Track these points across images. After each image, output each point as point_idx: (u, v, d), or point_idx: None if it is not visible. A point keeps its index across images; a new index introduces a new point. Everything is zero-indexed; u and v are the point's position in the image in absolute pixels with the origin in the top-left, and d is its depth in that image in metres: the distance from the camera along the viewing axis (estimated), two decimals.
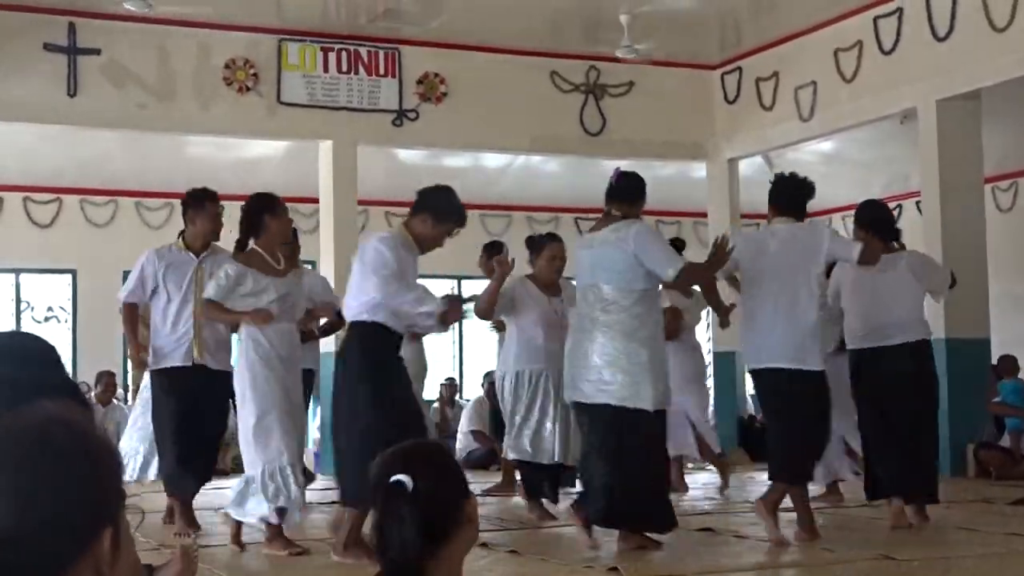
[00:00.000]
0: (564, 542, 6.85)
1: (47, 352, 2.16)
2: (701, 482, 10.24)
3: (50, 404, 1.45)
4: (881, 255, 6.82)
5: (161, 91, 11.48)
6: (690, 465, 10.52)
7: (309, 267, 11.01)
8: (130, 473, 7.96)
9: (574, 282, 8.02)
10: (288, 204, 6.75)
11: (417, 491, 2.25)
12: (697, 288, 8.13)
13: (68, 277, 14.46)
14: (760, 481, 10.23)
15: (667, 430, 6.44)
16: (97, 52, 11.21)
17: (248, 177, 13.62)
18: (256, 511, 6.25)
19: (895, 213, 9.06)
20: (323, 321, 8.26)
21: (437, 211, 6.24)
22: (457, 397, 14.24)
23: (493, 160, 14.80)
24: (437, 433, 11.64)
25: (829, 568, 5.79)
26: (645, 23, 11.71)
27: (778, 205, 6.70)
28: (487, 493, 9.34)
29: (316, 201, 12.31)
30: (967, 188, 10.83)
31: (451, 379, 14.30)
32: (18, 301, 14.36)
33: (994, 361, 11.15)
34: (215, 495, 8.01)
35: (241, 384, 6.37)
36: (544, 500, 7.89)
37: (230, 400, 7.11)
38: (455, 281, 14.21)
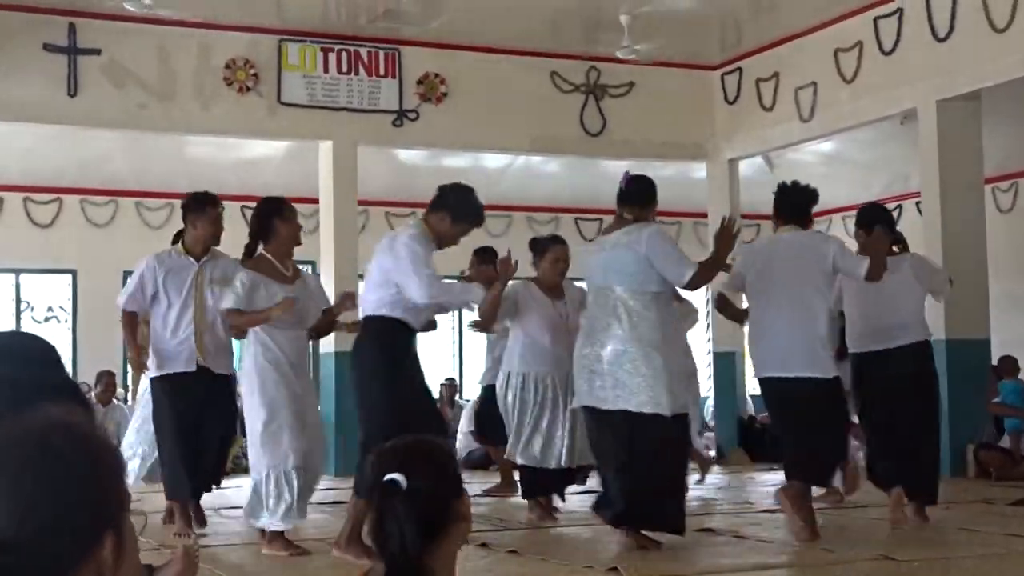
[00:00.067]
0: (564, 542, 6.86)
1: (47, 352, 2.16)
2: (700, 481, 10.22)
3: (52, 408, 1.44)
4: (885, 271, 6.74)
5: (161, 91, 11.48)
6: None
7: (307, 269, 11.00)
8: (132, 477, 7.95)
9: (577, 284, 8.05)
10: None
11: (411, 490, 2.28)
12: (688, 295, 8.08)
13: (68, 277, 14.46)
14: (760, 481, 10.24)
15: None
16: (97, 52, 11.21)
17: (248, 177, 13.66)
18: (267, 522, 6.25)
19: (895, 214, 9.08)
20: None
21: (456, 210, 6.27)
22: (457, 397, 14.24)
23: (493, 160, 14.80)
24: None
25: (829, 568, 5.79)
26: (645, 23, 11.71)
27: (783, 214, 6.71)
28: (487, 493, 9.34)
29: (316, 201, 12.32)
30: (967, 189, 10.83)
31: (451, 379, 14.30)
32: (18, 301, 14.37)
33: (994, 362, 11.15)
34: (215, 495, 8.00)
35: (249, 388, 6.35)
36: (549, 500, 7.88)
37: (234, 404, 7.11)
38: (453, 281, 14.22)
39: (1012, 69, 10.06)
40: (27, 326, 13.78)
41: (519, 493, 8.25)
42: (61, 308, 14.49)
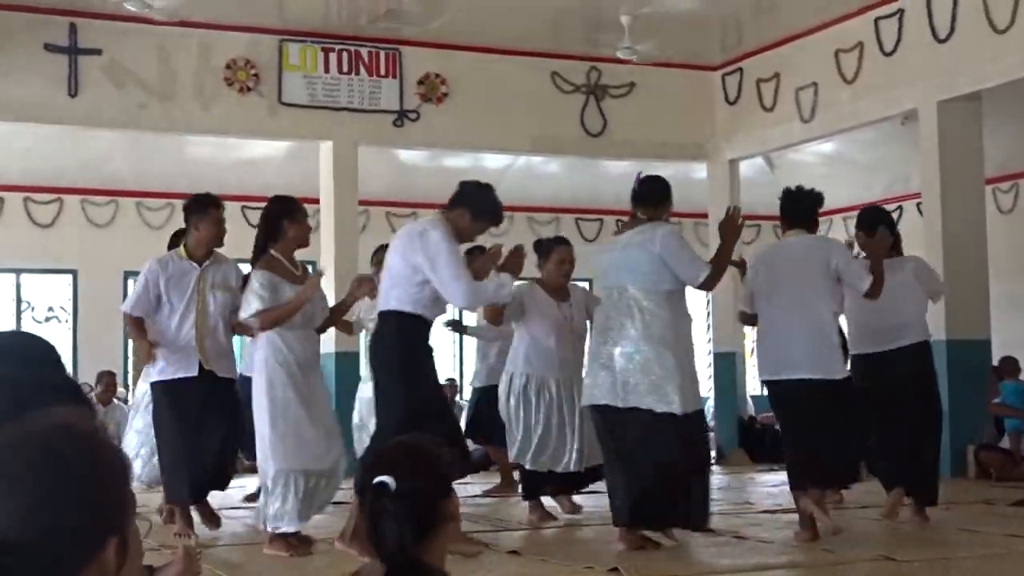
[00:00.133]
0: (564, 543, 6.86)
1: (47, 352, 2.16)
2: None
3: (58, 410, 1.44)
4: (883, 286, 6.76)
5: (162, 91, 11.49)
6: None
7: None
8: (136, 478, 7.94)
9: (581, 285, 8.05)
10: None
11: (400, 492, 2.31)
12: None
13: (68, 277, 14.47)
14: (759, 481, 10.24)
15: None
16: (98, 52, 11.21)
17: (249, 178, 13.67)
18: (270, 522, 6.25)
19: (896, 215, 9.09)
20: None
21: (477, 207, 6.29)
22: (457, 397, 14.24)
23: (494, 161, 14.80)
24: None
25: (829, 569, 5.79)
26: (646, 24, 11.71)
27: (789, 219, 6.77)
28: (487, 494, 9.34)
29: (317, 201, 12.30)
30: (968, 189, 10.83)
31: (451, 379, 14.29)
32: (19, 301, 14.38)
33: (995, 362, 11.15)
34: (215, 495, 7.99)
35: (258, 391, 6.33)
36: (570, 498, 7.86)
37: (237, 406, 7.07)
38: None
39: (1013, 70, 10.06)
40: (27, 326, 13.79)
41: (519, 492, 8.24)
42: (61, 308, 14.50)
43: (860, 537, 6.66)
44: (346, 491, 6.55)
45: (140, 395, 8.28)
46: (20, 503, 1.31)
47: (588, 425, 7.23)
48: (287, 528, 6.27)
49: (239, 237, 8.11)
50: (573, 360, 7.76)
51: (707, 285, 6.32)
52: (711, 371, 13.74)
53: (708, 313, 13.65)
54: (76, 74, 11.14)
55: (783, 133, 12.72)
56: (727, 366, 13.65)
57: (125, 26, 11.19)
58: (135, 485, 6.95)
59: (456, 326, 10.02)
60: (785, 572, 5.81)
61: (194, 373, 6.92)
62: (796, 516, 6.64)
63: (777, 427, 8.63)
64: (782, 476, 8.83)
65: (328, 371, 11.53)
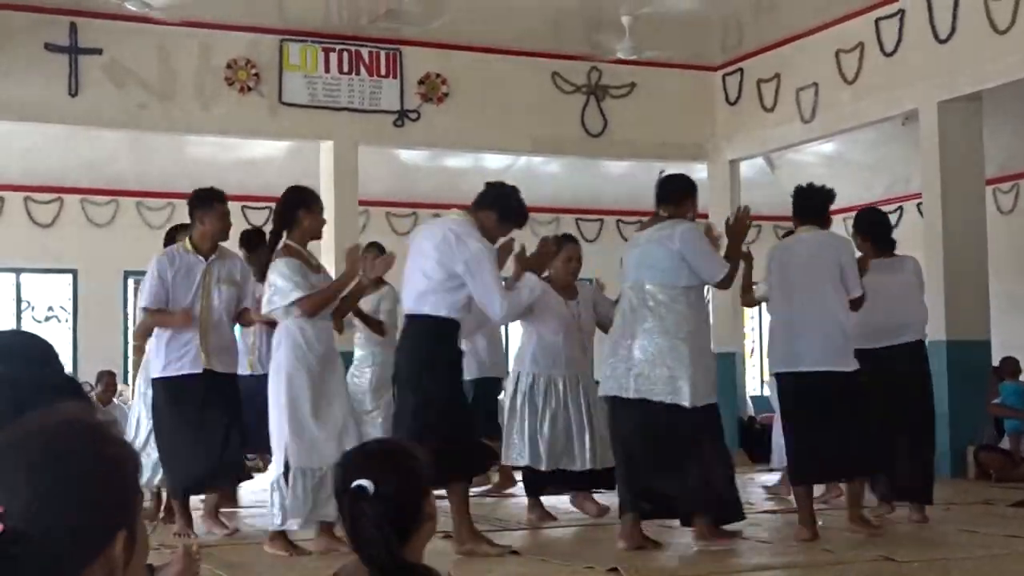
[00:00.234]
0: (564, 542, 6.86)
1: (47, 351, 2.16)
2: None
3: (69, 406, 1.45)
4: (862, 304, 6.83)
5: (162, 91, 11.49)
6: None
7: None
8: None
9: (587, 283, 8.05)
10: None
11: (378, 494, 2.33)
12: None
13: (69, 277, 14.46)
14: (759, 482, 10.22)
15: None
16: (98, 52, 11.22)
17: (249, 177, 13.67)
18: (274, 520, 6.24)
19: (896, 215, 9.12)
20: None
21: (503, 210, 6.29)
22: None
23: (494, 161, 14.79)
24: None
25: (829, 569, 5.78)
26: (646, 24, 11.71)
27: (801, 215, 6.87)
28: (487, 494, 9.33)
29: None
30: (968, 190, 10.83)
31: None
32: (19, 301, 14.37)
33: (995, 363, 11.15)
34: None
35: (276, 388, 6.27)
36: (590, 496, 7.85)
37: (239, 402, 7.04)
38: None
39: (1013, 70, 10.06)
40: (27, 326, 13.78)
41: (519, 485, 8.19)
42: (62, 308, 14.50)
43: (860, 537, 6.66)
44: None
45: (139, 394, 8.13)
46: (31, 495, 1.32)
47: (601, 422, 7.26)
48: (287, 526, 6.25)
49: (238, 237, 8.12)
50: (581, 358, 7.75)
51: (725, 283, 6.45)
52: None
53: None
54: (76, 74, 11.14)
55: (783, 133, 12.73)
56: (727, 366, 13.62)
57: (126, 26, 11.19)
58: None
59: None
60: (785, 572, 5.81)
61: (198, 370, 6.88)
62: (796, 516, 6.64)
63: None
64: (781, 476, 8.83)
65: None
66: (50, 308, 14.49)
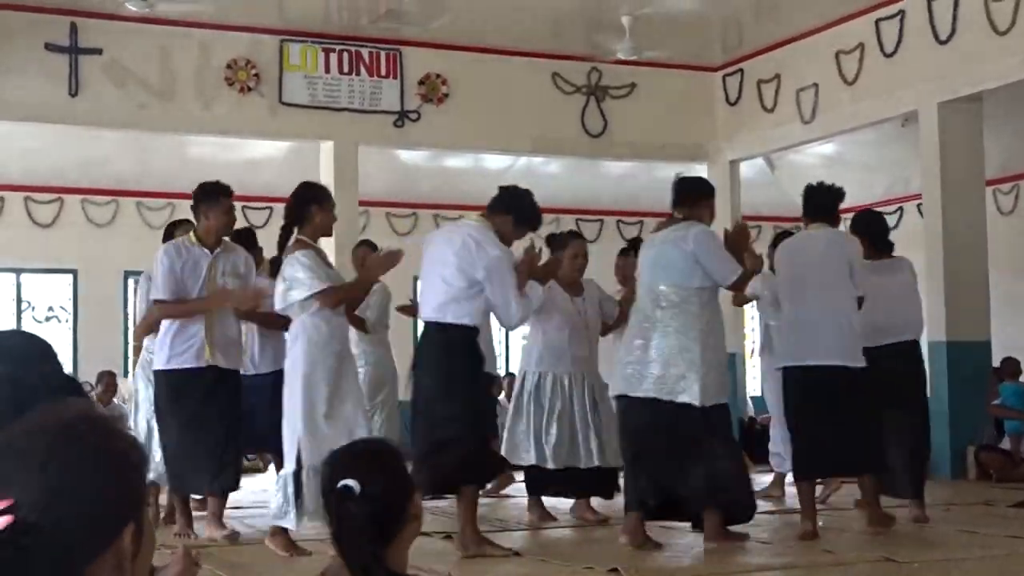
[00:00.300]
0: (564, 543, 6.86)
1: (45, 350, 2.16)
2: None
3: (79, 401, 1.46)
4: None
5: (162, 91, 11.49)
6: None
7: None
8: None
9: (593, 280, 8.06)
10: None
11: (364, 495, 2.35)
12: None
13: (69, 277, 14.46)
14: (760, 483, 10.22)
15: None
16: (99, 52, 11.22)
17: (249, 178, 13.63)
18: (276, 519, 6.22)
19: (896, 216, 9.13)
20: None
21: (519, 213, 6.32)
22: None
23: (494, 161, 14.79)
24: None
25: (830, 569, 5.78)
26: (647, 25, 11.71)
27: (811, 213, 6.97)
28: (487, 494, 9.32)
29: None
30: (968, 191, 10.83)
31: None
32: (19, 301, 14.37)
33: (996, 364, 11.15)
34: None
35: (291, 384, 6.22)
36: (590, 502, 7.86)
37: (240, 400, 7.02)
38: None
39: (1013, 71, 10.07)
40: (27, 326, 13.78)
41: (516, 486, 8.18)
42: (62, 308, 14.49)
43: (861, 538, 6.67)
44: None
45: (139, 391, 8.07)
46: (41, 488, 1.34)
47: (608, 420, 7.27)
48: (289, 524, 6.22)
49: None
50: (586, 356, 7.72)
51: (738, 286, 6.53)
52: None
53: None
54: (77, 74, 11.14)
55: (784, 134, 12.73)
56: (727, 367, 13.63)
57: (126, 26, 11.19)
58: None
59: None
60: (785, 572, 5.81)
61: (202, 364, 6.82)
62: (796, 517, 6.64)
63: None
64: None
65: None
66: (50, 308, 14.49)
